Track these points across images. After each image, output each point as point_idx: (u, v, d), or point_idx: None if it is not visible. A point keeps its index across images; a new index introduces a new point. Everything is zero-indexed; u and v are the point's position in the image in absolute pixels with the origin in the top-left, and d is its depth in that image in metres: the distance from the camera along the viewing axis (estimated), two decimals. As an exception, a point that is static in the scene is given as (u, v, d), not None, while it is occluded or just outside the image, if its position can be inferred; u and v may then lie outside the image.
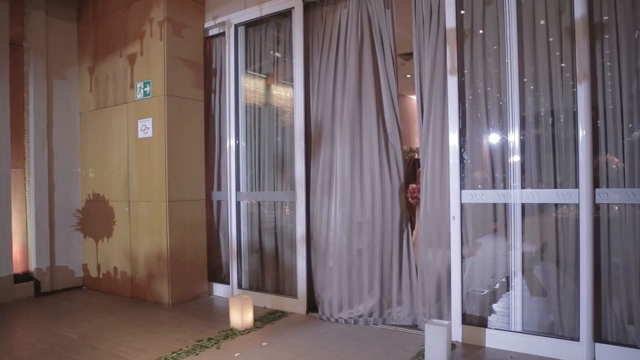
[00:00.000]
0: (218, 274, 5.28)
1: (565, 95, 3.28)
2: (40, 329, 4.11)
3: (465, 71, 3.63)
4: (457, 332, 3.59)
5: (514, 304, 3.47)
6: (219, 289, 5.16)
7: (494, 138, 3.56)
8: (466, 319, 3.61)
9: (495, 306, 3.56)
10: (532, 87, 3.42)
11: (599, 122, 3.16)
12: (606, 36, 3.15)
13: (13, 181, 5.18)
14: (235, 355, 3.39)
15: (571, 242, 3.26)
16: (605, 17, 3.15)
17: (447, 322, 3.25)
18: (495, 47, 3.53)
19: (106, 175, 5.35)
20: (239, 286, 4.96)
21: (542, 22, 3.35)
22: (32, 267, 5.28)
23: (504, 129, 3.49)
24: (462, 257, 3.61)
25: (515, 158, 3.43)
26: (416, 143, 9.90)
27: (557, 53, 3.31)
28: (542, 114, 3.39)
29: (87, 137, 5.58)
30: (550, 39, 3.33)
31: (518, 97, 3.40)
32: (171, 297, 4.73)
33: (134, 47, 4.98)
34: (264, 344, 3.62)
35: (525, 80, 3.42)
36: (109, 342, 3.73)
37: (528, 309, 3.44)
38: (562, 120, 3.30)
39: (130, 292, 5.10)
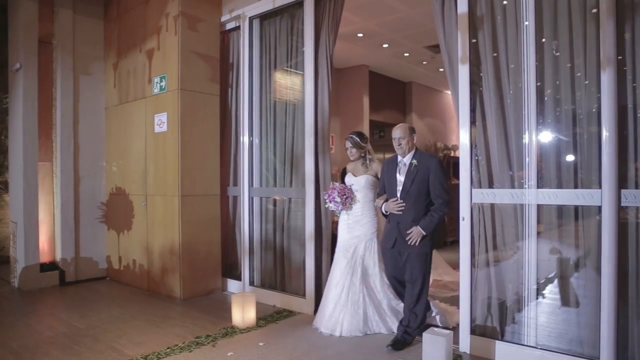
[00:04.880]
0: (234, 270, 5.22)
1: (588, 85, 2.92)
2: (53, 317, 4.22)
3: (480, 61, 3.34)
4: (466, 342, 3.32)
5: (527, 315, 3.16)
6: (232, 285, 5.11)
7: (508, 133, 3.24)
8: (476, 330, 3.33)
9: (507, 317, 3.25)
10: (551, 77, 3.07)
11: (627, 112, 2.79)
12: (637, 17, 2.77)
13: (42, 174, 5.39)
14: (228, 354, 3.30)
15: (593, 249, 2.91)
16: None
17: (447, 331, 2.99)
18: (510, 34, 3.21)
19: (127, 169, 5.44)
20: (251, 283, 4.88)
21: (564, 4, 3.00)
22: (58, 257, 5.46)
23: (519, 123, 3.17)
24: (472, 262, 3.33)
25: (531, 155, 3.11)
26: (452, 140, 9.48)
27: (581, 39, 2.96)
28: (563, 106, 3.05)
29: (111, 132, 5.70)
30: (573, 25, 2.98)
31: (535, 87, 3.08)
32: (182, 292, 4.72)
33: (152, 42, 5.01)
34: (260, 344, 3.51)
35: (544, 70, 3.09)
36: (111, 334, 3.76)
37: (543, 321, 3.11)
38: (584, 112, 2.95)
39: (147, 285, 5.15)
